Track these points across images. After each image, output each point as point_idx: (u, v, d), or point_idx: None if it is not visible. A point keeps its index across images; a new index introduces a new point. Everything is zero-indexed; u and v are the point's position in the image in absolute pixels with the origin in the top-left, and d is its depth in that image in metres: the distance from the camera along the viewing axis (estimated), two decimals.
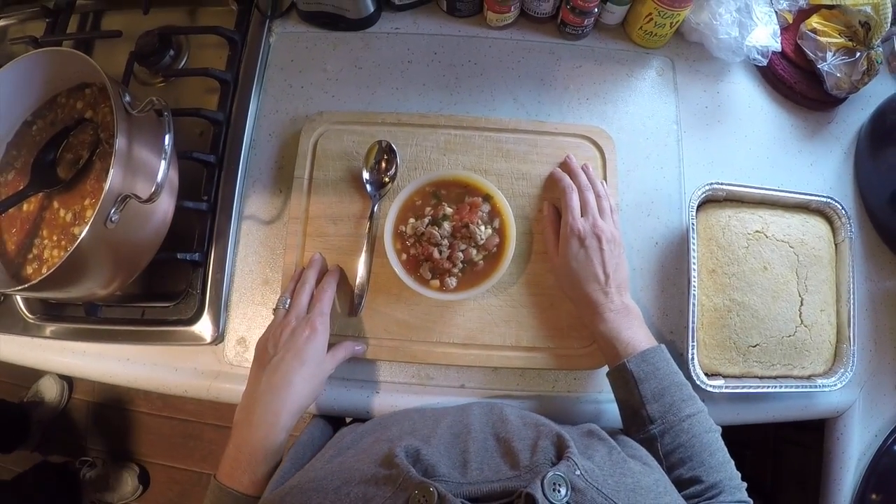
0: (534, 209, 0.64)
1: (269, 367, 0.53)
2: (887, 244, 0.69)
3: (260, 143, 0.70)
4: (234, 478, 0.49)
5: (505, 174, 0.65)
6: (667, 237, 0.67)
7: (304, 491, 0.38)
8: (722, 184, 0.63)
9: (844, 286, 0.63)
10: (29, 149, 0.62)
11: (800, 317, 0.61)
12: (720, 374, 0.61)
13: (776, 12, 0.70)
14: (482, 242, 0.59)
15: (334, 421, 0.64)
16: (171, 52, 0.73)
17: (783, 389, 0.60)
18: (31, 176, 0.60)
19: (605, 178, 0.65)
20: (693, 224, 0.62)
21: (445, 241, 0.58)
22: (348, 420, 0.66)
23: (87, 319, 0.66)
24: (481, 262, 0.59)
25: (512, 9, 0.70)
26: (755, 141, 0.71)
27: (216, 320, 0.64)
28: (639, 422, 0.50)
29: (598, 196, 0.60)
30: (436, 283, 0.58)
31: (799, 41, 0.71)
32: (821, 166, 0.71)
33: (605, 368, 0.59)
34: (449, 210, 0.60)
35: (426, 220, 0.59)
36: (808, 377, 0.62)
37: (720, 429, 0.51)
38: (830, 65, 0.68)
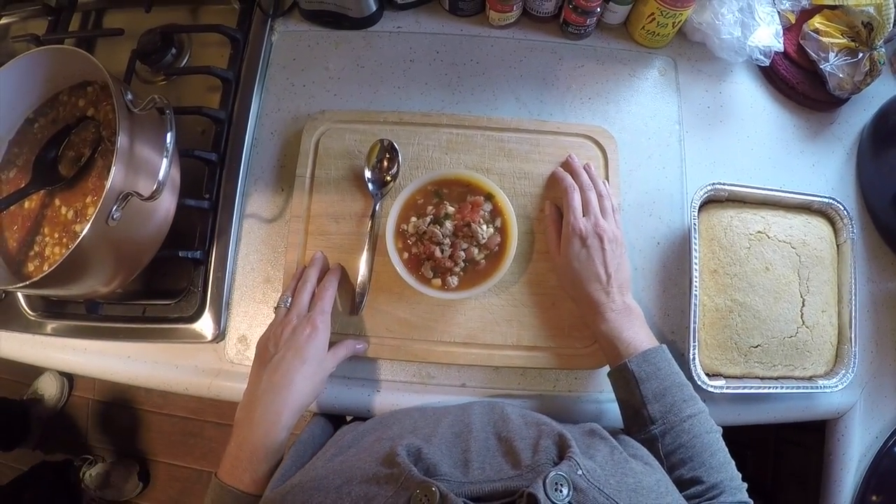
0: (536, 209, 0.64)
1: (270, 365, 0.53)
2: (889, 245, 0.69)
3: (262, 141, 0.70)
4: (234, 476, 0.49)
5: (507, 173, 0.65)
6: (668, 237, 0.66)
7: (305, 489, 0.37)
8: (724, 184, 0.63)
9: (846, 287, 0.63)
10: (31, 146, 0.62)
11: (801, 318, 0.61)
12: (721, 375, 0.61)
13: (779, 12, 0.70)
14: (484, 241, 0.59)
15: (335, 419, 0.64)
16: (173, 51, 0.73)
17: (784, 390, 0.60)
18: (32, 173, 0.60)
19: (607, 178, 0.65)
20: (695, 224, 0.62)
21: (447, 240, 0.58)
22: (349, 419, 0.66)
23: (88, 317, 0.66)
24: (483, 261, 0.59)
25: (514, 8, 0.69)
26: (757, 141, 0.71)
27: (217, 318, 0.64)
28: (640, 422, 0.50)
29: (599, 196, 0.60)
30: (437, 281, 0.58)
31: (801, 41, 0.70)
32: (823, 167, 0.71)
33: (606, 368, 0.59)
34: (451, 209, 0.59)
35: (428, 219, 0.59)
36: (810, 378, 0.62)
37: (721, 429, 0.51)
38: (833, 65, 0.67)
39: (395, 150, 0.64)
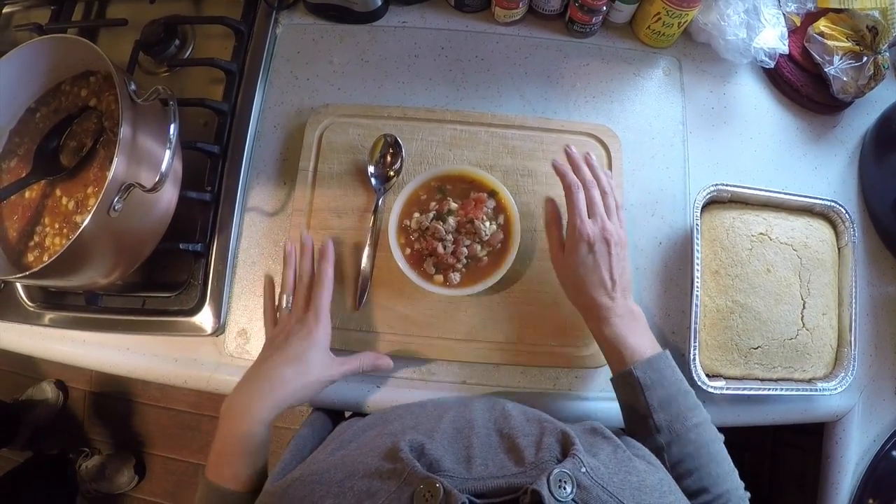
0: (539, 206, 0.64)
1: (256, 362, 0.53)
2: (889, 249, 0.69)
3: (265, 134, 0.69)
4: (217, 472, 0.49)
5: (510, 171, 0.65)
6: (671, 237, 0.66)
7: (307, 483, 0.37)
8: (727, 185, 0.63)
9: (847, 290, 0.63)
10: (32, 136, 0.62)
11: (802, 320, 0.61)
12: (721, 376, 0.61)
13: (784, 15, 0.70)
14: (487, 238, 0.58)
15: (334, 415, 0.64)
16: (177, 42, 0.72)
17: (784, 392, 0.60)
18: (33, 163, 0.60)
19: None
20: (697, 225, 0.62)
21: (450, 237, 0.58)
22: (347, 414, 0.66)
23: (88, 308, 0.65)
24: (485, 258, 0.59)
25: (520, 5, 0.69)
26: (760, 143, 0.71)
27: (217, 312, 0.63)
28: (645, 430, 0.49)
29: (603, 193, 0.57)
30: (439, 278, 0.58)
31: (806, 44, 0.70)
32: (825, 170, 0.71)
33: (607, 367, 0.59)
34: (454, 205, 0.59)
35: (431, 215, 0.59)
36: (809, 380, 0.62)
37: (723, 436, 0.50)
38: (837, 68, 0.68)
39: (399, 145, 0.64)
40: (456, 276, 0.58)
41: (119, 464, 1.47)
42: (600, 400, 0.62)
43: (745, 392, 0.59)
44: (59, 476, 1.45)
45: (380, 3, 0.70)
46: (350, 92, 0.70)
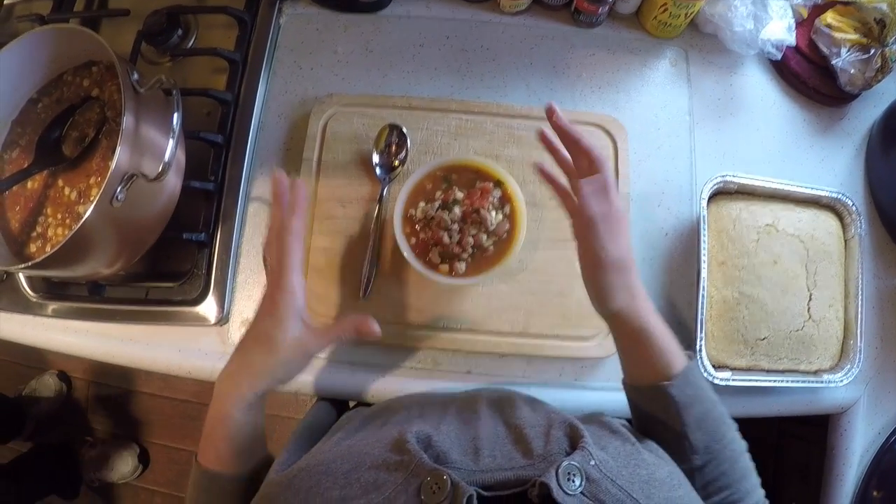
0: (545, 196, 0.63)
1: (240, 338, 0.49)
2: None
3: (268, 124, 0.69)
4: (203, 454, 0.48)
5: (516, 160, 0.64)
6: (677, 228, 0.66)
7: (312, 474, 0.37)
8: (733, 176, 0.63)
9: (853, 282, 0.63)
10: (34, 126, 0.62)
11: (808, 311, 0.61)
12: (727, 367, 0.61)
13: (791, 6, 0.69)
14: (492, 228, 0.58)
15: (338, 404, 0.63)
16: (179, 32, 0.72)
17: (789, 384, 0.60)
18: (35, 154, 0.59)
19: (616, 169, 0.64)
20: (704, 216, 0.62)
21: (455, 226, 0.58)
22: (351, 404, 0.66)
23: (91, 298, 0.65)
24: (491, 247, 0.59)
25: None
26: (767, 134, 0.71)
27: (221, 301, 0.63)
28: (678, 449, 0.44)
29: (593, 163, 0.47)
30: (445, 267, 0.58)
31: (813, 36, 0.70)
32: (832, 162, 0.71)
33: (613, 357, 0.59)
34: (460, 195, 0.59)
35: (436, 205, 0.58)
36: (815, 372, 0.62)
37: (747, 444, 0.47)
38: (844, 61, 0.67)
39: (404, 134, 0.64)
40: (461, 266, 0.58)
41: (122, 453, 1.47)
42: (606, 390, 0.62)
43: (751, 383, 0.59)
44: (63, 465, 1.45)
45: None
46: (354, 81, 0.70)
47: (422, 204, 0.59)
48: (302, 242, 0.48)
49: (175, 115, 0.55)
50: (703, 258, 0.61)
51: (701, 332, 0.59)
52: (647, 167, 0.67)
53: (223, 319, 0.63)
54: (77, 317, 0.65)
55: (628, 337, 0.47)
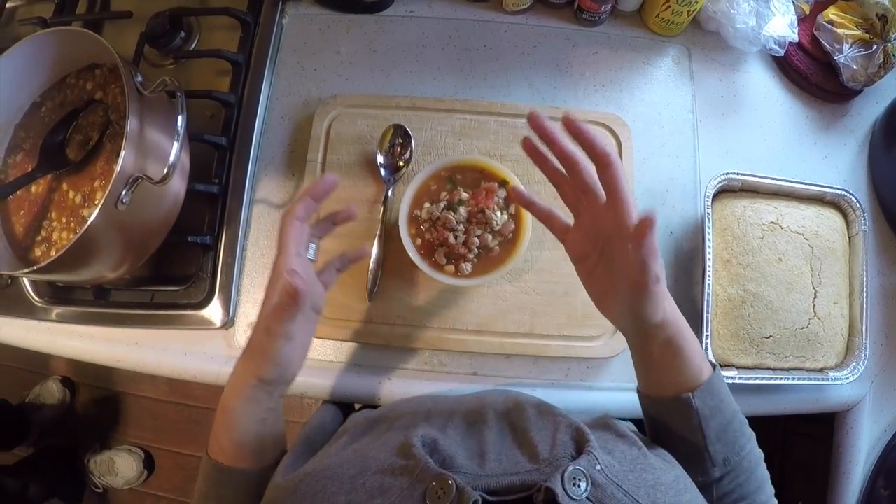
0: (550, 196, 0.63)
1: None
2: None
3: (272, 126, 0.69)
4: (211, 445, 0.48)
5: (521, 160, 0.64)
6: (682, 227, 0.66)
7: (318, 478, 0.37)
8: (737, 174, 0.63)
9: (858, 279, 0.63)
10: (38, 130, 0.62)
11: (813, 309, 0.61)
12: (733, 365, 0.61)
13: (794, 3, 0.69)
14: (498, 228, 0.58)
15: (344, 407, 0.63)
16: (182, 34, 0.72)
17: (795, 381, 0.60)
18: (39, 158, 0.59)
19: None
20: (708, 214, 0.62)
21: (461, 227, 0.58)
22: (357, 406, 0.66)
23: (96, 303, 0.65)
24: (497, 248, 0.59)
25: None
26: (770, 131, 0.71)
27: (226, 304, 0.63)
28: (695, 460, 0.43)
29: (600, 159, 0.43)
30: (450, 268, 0.58)
31: (816, 32, 0.70)
32: (835, 158, 0.71)
33: (619, 357, 0.59)
34: (465, 195, 0.59)
35: (442, 205, 0.58)
36: (820, 370, 0.62)
37: (763, 454, 0.47)
38: (847, 57, 0.67)
39: (408, 135, 0.64)
40: (467, 267, 0.58)
41: (128, 458, 1.47)
42: (613, 390, 0.62)
43: (757, 381, 0.59)
44: (68, 470, 1.45)
45: None
46: (358, 82, 0.70)
47: (427, 204, 0.59)
48: (303, 228, 0.48)
49: (179, 118, 0.55)
50: (708, 256, 0.61)
51: (706, 330, 0.59)
52: (651, 165, 0.67)
53: (229, 323, 0.63)
54: (82, 321, 0.64)
55: (662, 346, 0.43)
